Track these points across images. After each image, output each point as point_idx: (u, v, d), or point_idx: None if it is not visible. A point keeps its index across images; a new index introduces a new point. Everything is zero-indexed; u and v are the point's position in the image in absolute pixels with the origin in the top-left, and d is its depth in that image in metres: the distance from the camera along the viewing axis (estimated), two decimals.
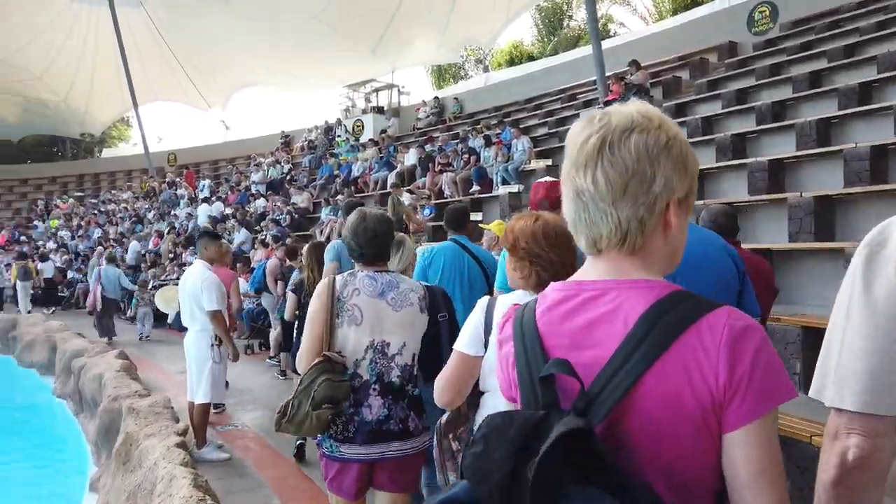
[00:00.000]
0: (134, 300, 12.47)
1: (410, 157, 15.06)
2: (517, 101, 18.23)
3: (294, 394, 2.27)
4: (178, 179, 23.33)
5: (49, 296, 17.28)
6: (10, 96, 30.24)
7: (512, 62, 26.63)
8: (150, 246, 17.41)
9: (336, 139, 21.23)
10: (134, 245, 17.72)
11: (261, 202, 17.22)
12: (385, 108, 22.08)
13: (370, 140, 18.80)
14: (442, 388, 1.93)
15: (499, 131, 13.66)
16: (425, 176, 13.30)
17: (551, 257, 1.86)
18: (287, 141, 24.14)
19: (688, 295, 0.89)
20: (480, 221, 8.53)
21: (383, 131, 19.88)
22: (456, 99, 20.51)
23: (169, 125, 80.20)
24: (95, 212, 24.07)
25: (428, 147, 14.90)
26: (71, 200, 26.68)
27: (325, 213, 13.99)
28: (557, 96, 16.68)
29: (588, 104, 14.45)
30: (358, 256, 2.48)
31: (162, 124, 78.79)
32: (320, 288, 2.43)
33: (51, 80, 28.75)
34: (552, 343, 0.93)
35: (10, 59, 26.60)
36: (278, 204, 15.84)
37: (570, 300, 0.94)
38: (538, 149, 12.02)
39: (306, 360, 2.34)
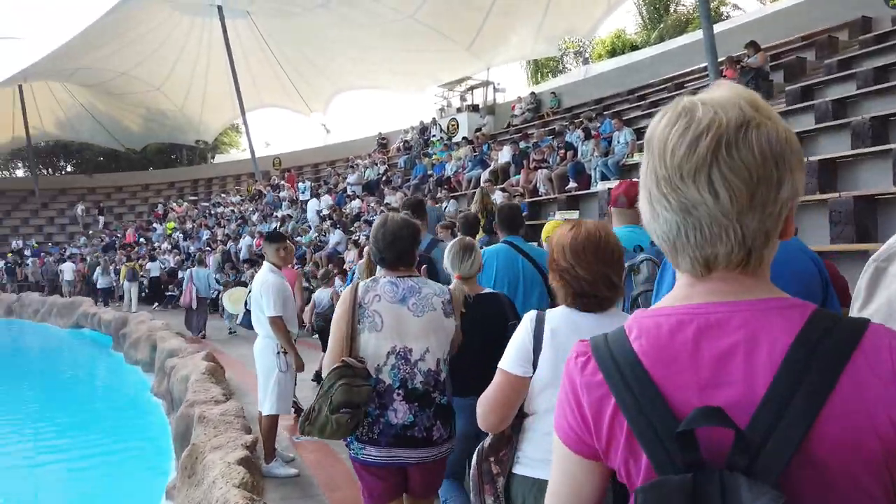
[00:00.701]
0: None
1: (504, 155, 14.54)
2: (619, 93, 17.26)
3: (315, 398, 2.32)
4: (281, 182, 24.06)
5: (155, 294, 18.63)
6: (134, 107, 32.55)
7: (614, 52, 25.43)
8: (254, 247, 17.96)
9: (431, 139, 21.05)
10: (247, 240, 18.33)
11: (356, 203, 17.29)
12: (480, 106, 21.65)
13: (464, 138, 18.44)
14: (487, 410, 1.80)
15: (598, 124, 12.86)
16: (519, 173, 12.73)
17: (577, 273, 1.76)
18: (384, 142, 24.30)
19: (826, 311, 0.76)
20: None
21: (478, 129, 19.46)
22: (553, 93, 19.75)
23: (275, 130, 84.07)
24: (206, 215, 25.26)
25: (522, 144, 14.32)
26: (185, 204, 28.21)
27: None
28: (663, 86, 15.59)
29: (698, 92, 13.34)
30: (379, 261, 2.48)
31: (269, 130, 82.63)
32: (344, 294, 2.48)
33: (169, 90, 30.58)
34: (670, 384, 0.77)
35: (133, 72, 28.53)
36: (372, 204, 15.79)
37: (682, 329, 0.78)
38: (641, 141, 11.12)
39: (328, 365, 2.37)
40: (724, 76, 11.94)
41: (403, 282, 2.45)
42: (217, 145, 39.65)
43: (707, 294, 0.79)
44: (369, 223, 14.67)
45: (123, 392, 9.87)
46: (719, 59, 12.32)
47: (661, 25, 25.11)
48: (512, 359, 1.78)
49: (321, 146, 30.74)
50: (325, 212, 17.67)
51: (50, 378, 11.72)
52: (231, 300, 9.94)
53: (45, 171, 39.09)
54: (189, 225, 25.20)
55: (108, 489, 6.01)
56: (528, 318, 1.82)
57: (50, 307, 18.76)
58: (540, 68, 29.09)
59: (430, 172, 17.02)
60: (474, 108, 21.42)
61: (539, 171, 12.08)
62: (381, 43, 23.32)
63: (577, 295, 1.78)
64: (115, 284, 19.17)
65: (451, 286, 2.65)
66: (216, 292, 13.17)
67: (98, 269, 19.55)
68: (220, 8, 24.29)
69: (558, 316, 1.80)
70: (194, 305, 11.87)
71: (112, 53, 26.34)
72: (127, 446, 7.24)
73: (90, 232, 29.09)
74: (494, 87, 22.11)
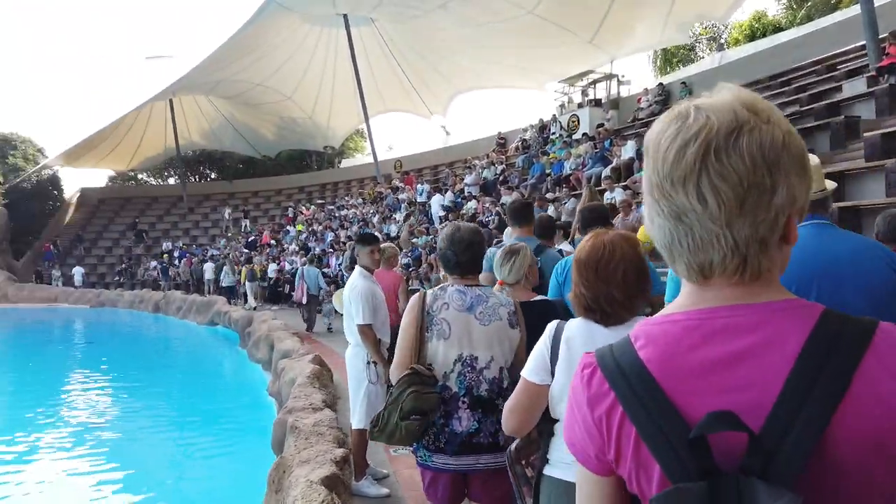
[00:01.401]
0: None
1: (628, 150, 13.61)
2: (760, 80, 15.65)
3: (385, 405, 2.35)
4: (401, 185, 24.36)
5: (274, 294, 19.78)
6: (269, 116, 34.50)
7: (753, 37, 23.27)
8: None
9: (550, 137, 20.32)
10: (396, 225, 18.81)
11: (472, 204, 16.99)
12: (603, 101, 20.60)
13: (584, 135, 17.59)
14: (508, 414, 1.87)
15: None
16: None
17: (580, 289, 1.80)
18: (502, 142, 23.90)
19: (836, 312, 0.76)
20: None
21: (600, 125, 18.48)
22: (684, 84, 18.35)
23: (398, 134, 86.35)
24: (330, 217, 26.15)
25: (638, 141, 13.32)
26: (313, 207, 29.39)
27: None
28: (812, 69, 13.93)
29: (853, 73, 11.80)
30: (454, 266, 2.49)
31: (392, 134, 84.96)
32: (412, 302, 2.48)
33: (299, 99, 32.07)
34: (679, 390, 0.76)
35: (266, 82, 30.19)
36: (487, 205, 15.41)
37: (689, 334, 0.78)
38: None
39: (397, 372, 2.40)
40: (887, 53, 10.42)
41: (471, 290, 2.45)
42: (344, 150, 41.10)
43: (712, 299, 0.79)
44: (483, 224, 14.30)
45: (244, 390, 10.17)
46: (881, 36, 10.82)
47: (809, 3, 22.66)
48: (531, 367, 1.82)
49: (441, 148, 30.90)
50: (443, 213, 17.56)
51: (179, 371, 12.43)
52: (339, 301, 10.06)
53: (192, 179, 42.41)
54: (316, 227, 26.21)
55: (208, 486, 6.05)
56: (549, 328, 1.85)
57: (190, 305, 20.13)
58: (668, 58, 27.32)
59: (548, 171, 16.36)
60: (597, 103, 20.41)
61: None
62: (499, 41, 22.93)
63: (584, 310, 1.80)
64: (237, 284, 20.45)
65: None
66: (322, 291, 13.78)
67: (224, 270, 20.84)
68: (345, 17, 25.06)
69: (575, 326, 1.81)
70: (304, 301, 12.75)
71: (248, 66, 27.99)
72: (236, 445, 7.33)
73: (228, 234, 31.10)
74: (619, 80, 20.96)
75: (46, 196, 37.39)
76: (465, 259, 2.47)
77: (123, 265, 32.58)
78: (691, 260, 0.78)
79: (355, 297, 4.13)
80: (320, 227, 25.48)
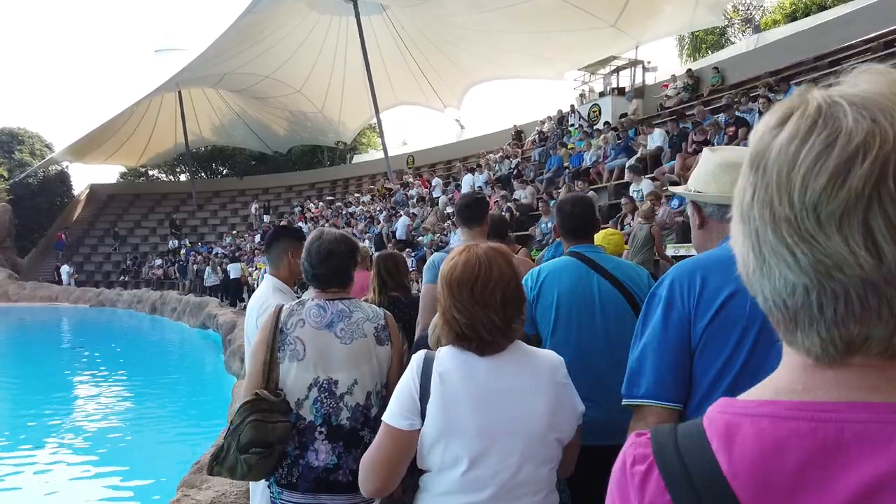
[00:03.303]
0: None
1: (655, 139, 12.16)
2: (802, 62, 14.11)
3: (224, 435, 2.09)
4: (412, 180, 23.16)
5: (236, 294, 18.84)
6: (279, 111, 33.44)
7: (793, 16, 21.50)
8: (411, 227, 17.19)
9: (569, 128, 18.85)
10: (403, 220, 17.48)
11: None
12: (626, 89, 19.06)
13: (606, 123, 16.12)
14: (369, 471, 1.55)
15: (780, 97, 10.13)
16: (675, 159, 10.34)
17: (453, 314, 1.53)
18: (518, 135, 22.49)
19: None
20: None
21: (623, 115, 16.97)
22: (716, 69, 16.77)
23: (411, 128, 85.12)
24: (338, 214, 25.01)
25: (668, 127, 11.88)
26: (321, 204, 28.25)
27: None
28: (866, 47, 12.36)
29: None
30: (311, 278, 2.24)
31: (405, 128, 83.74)
32: (265, 318, 2.21)
33: (309, 92, 30.94)
34: None
35: (275, 75, 29.10)
36: (497, 200, 14.01)
37: (800, 442, 0.51)
38: None
39: (243, 397, 2.08)
40: None
41: (333, 305, 2.19)
42: (356, 146, 40.00)
43: (842, 388, 0.52)
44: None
45: (212, 410, 8.92)
46: None
47: None
48: (394, 410, 1.52)
49: (454, 142, 29.55)
50: (450, 209, 16.21)
51: (153, 386, 11.20)
52: None
53: (203, 175, 41.60)
54: (322, 224, 25.08)
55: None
56: (415, 359, 1.58)
57: (185, 306, 19.06)
58: (697, 43, 25.54)
59: (566, 164, 14.95)
60: (620, 92, 18.86)
61: (701, 154, 9.63)
62: (515, 27, 21.52)
63: (457, 337, 1.54)
64: (219, 283, 19.54)
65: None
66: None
67: (207, 269, 19.79)
68: (355, 4, 23.83)
69: (448, 358, 1.54)
70: None
71: (255, 58, 26.91)
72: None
73: (234, 232, 30.02)
74: (644, 67, 19.38)
75: (54, 192, 36.77)
76: (323, 271, 2.20)
77: (128, 263, 31.77)
78: (835, 333, 0.51)
79: (252, 325, 2.80)
80: (328, 225, 24.37)
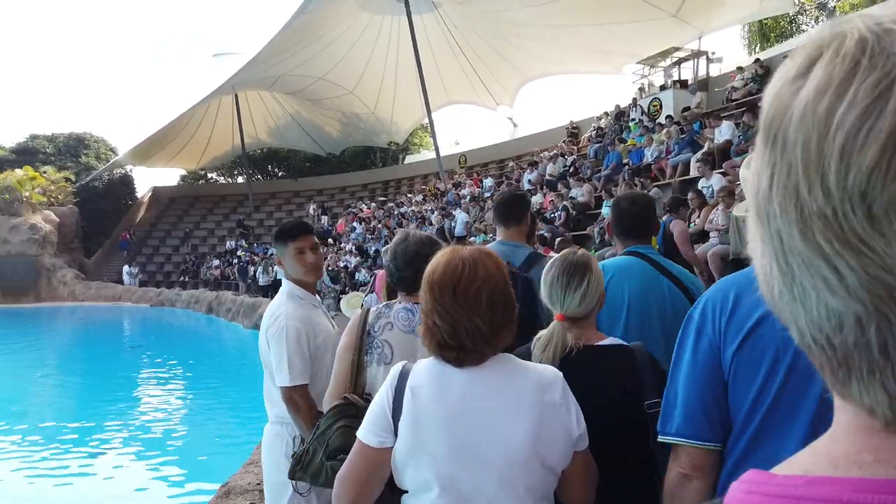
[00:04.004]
0: None
1: (723, 132, 11.39)
2: None
3: (309, 439, 2.00)
4: (464, 180, 22.80)
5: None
6: (332, 112, 33.60)
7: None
8: (471, 223, 16.79)
9: (628, 124, 18.09)
10: (462, 216, 17.17)
11: (537, 198, 15.08)
12: (689, 82, 18.14)
13: (668, 117, 15.32)
14: (339, 488, 1.47)
15: None
16: (747, 151, 9.60)
17: (434, 319, 1.41)
18: (574, 132, 21.81)
19: None
20: None
21: (685, 109, 16.13)
22: (787, 57, 15.71)
23: (463, 128, 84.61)
24: (389, 215, 24.86)
25: (745, 118, 11.08)
26: (373, 205, 28.19)
27: (606, 209, 11.20)
28: None
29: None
30: (398, 281, 2.17)
31: (457, 128, 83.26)
32: (352, 320, 2.15)
33: (361, 93, 30.94)
34: None
35: (328, 76, 29.19)
36: (552, 199, 13.46)
37: None
38: None
39: (328, 401, 2.05)
40: None
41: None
42: (408, 146, 39.91)
43: None
44: (548, 221, 12.40)
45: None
46: None
47: None
48: (366, 425, 1.46)
49: (507, 141, 29.03)
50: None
51: (195, 388, 11.15)
52: (349, 305, 9.22)
53: (259, 177, 42.30)
54: (375, 225, 24.97)
55: None
56: (393, 372, 1.49)
57: (239, 307, 19.19)
58: (765, 32, 24.17)
59: (625, 161, 14.26)
60: (682, 85, 17.97)
61: None
62: (571, 20, 20.83)
63: (438, 345, 1.42)
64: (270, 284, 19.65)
65: (545, 331, 1.80)
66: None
67: (259, 269, 19.90)
68: (406, 1, 23.61)
69: (422, 371, 1.45)
70: None
71: (308, 59, 27.03)
72: None
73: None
74: (708, 58, 18.42)
75: (118, 195, 37.93)
76: (409, 274, 2.06)
77: (188, 263, 32.49)
78: None
79: (276, 336, 2.43)
80: (380, 225, 24.23)
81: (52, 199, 32.54)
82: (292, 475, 2.01)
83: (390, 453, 1.42)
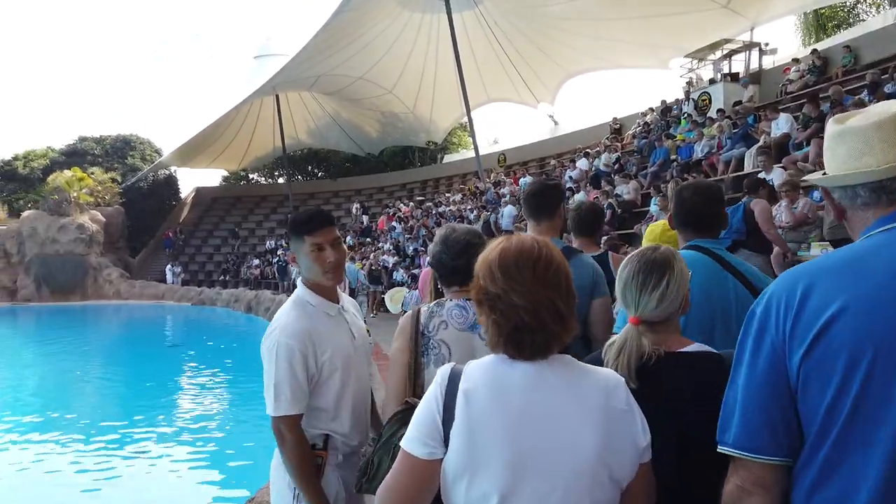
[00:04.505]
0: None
1: (780, 125, 10.77)
2: None
3: (374, 449, 1.84)
4: (504, 179, 22.41)
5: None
6: (371, 112, 33.57)
7: None
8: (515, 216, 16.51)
9: (681, 117, 17.42)
10: (509, 209, 16.76)
11: (579, 196, 14.60)
12: (741, 75, 17.38)
13: (719, 111, 14.66)
14: (383, 501, 1.31)
15: None
16: (807, 144, 9.01)
17: (512, 300, 1.26)
18: (618, 128, 21.20)
19: None
20: None
21: (737, 102, 15.43)
22: (847, 48, 14.89)
23: (503, 126, 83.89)
24: (427, 214, 24.64)
25: (805, 110, 10.42)
26: (411, 204, 28.02)
27: (654, 206, 10.70)
28: None
29: None
30: (450, 272, 2.04)
31: (497, 127, 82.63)
32: (403, 322, 2.05)
33: (400, 92, 30.80)
34: None
35: (367, 76, 29.12)
36: (597, 197, 12.97)
37: None
38: None
39: (391, 407, 1.93)
40: None
41: (473, 305, 1.70)
42: (446, 145, 39.68)
43: None
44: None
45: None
46: None
47: None
48: (412, 434, 1.30)
49: (548, 139, 28.51)
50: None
51: (236, 378, 11.05)
52: (393, 301, 9.29)
53: (299, 178, 42.64)
54: (414, 224, 24.79)
55: None
56: (440, 373, 1.34)
57: (277, 305, 19.14)
58: (822, 21, 23.08)
59: (673, 156, 13.68)
60: (733, 78, 17.23)
61: None
62: (616, 13, 20.23)
63: (516, 330, 1.26)
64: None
65: (618, 336, 1.65)
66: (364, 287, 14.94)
67: (294, 269, 19.93)
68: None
69: (476, 371, 1.30)
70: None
71: (347, 59, 26.99)
72: None
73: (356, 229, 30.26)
74: (761, 50, 17.62)
75: (163, 195, 38.66)
76: (463, 262, 1.92)
77: (229, 262, 32.87)
78: None
79: (266, 355, 2.10)
80: (418, 224, 24.03)
81: (99, 200, 33.31)
82: (358, 488, 1.86)
83: (440, 465, 1.28)
